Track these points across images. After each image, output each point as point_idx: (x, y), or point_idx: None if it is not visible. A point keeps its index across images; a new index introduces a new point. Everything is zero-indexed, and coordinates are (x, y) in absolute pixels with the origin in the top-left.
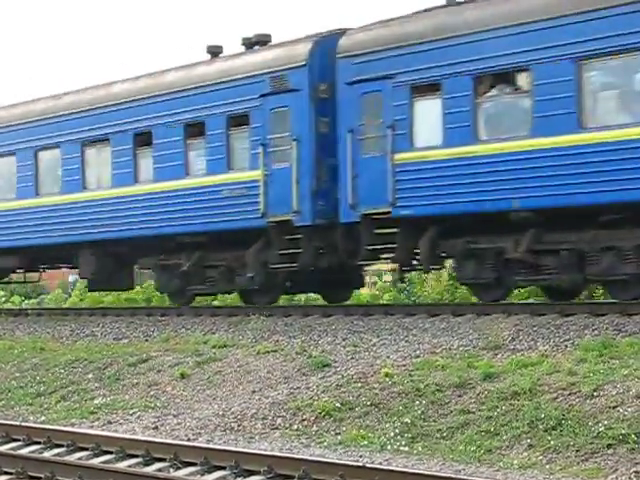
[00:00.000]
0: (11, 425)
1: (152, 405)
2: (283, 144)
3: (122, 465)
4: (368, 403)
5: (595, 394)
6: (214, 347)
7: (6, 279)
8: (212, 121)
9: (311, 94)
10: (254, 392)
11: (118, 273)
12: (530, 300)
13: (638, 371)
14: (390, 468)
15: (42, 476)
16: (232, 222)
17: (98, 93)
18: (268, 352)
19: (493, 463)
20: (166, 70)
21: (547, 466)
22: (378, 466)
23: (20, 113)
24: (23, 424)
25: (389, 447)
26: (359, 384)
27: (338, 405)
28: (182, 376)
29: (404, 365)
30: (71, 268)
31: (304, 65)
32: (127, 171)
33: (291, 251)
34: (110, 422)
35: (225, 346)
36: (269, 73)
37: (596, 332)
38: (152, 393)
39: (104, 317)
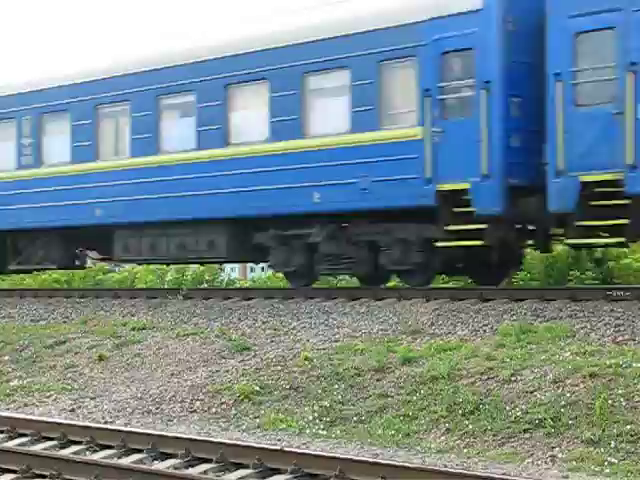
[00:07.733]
0: None
1: (69, 388)
2: None
3: (37, 448)
4: (287, 387)
5: (513, 379)
6: (133, 329)
7: None
8: None
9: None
10: (173, 375)
11: None
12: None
13: (555, 356)
14: (308, 452)
15: None
16: None
17: None
18: (187, 335)
19: (411, 447)
20: None
21: (464, 450)
22: (296, 450)
23: None
24: None
25: (307, 431)
26: (278, 367)
27: (257, 388)
28: (100, 358)
29: (324, 349)
30: None
31: None
32: None
33: None
34: (26, 404)
35: (144, 328)
36: None
37: (515, 317)
38: (69, 375)
39: (22, 298)
